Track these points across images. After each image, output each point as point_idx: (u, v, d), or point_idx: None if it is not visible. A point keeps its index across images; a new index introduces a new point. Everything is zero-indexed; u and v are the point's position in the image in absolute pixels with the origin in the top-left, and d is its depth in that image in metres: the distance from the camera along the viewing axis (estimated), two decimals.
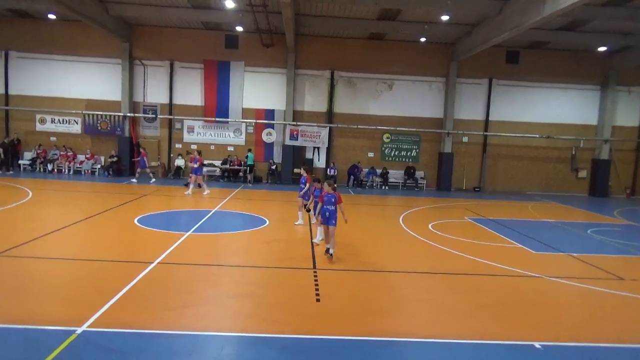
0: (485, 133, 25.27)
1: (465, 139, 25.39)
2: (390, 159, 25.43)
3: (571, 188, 25.88)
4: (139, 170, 21.56)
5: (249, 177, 23.79)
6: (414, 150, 25.50)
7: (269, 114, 24.72)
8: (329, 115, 24.80)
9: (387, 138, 25.29)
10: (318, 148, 25.08)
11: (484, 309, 7.41)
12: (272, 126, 24.87)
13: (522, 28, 16.93)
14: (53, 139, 24.42)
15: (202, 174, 19.21)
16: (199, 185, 19.05)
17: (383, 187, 24.74)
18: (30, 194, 16.63)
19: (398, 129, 24.74)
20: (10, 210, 13.64)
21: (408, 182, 24.90)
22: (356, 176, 24.63)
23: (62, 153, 23.96)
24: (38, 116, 24.25)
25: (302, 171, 13.58)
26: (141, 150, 21.58)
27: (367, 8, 19.97)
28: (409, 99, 24.95)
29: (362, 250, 11.20)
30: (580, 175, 25.90)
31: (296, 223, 13.37)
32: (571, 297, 8.38)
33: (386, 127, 24.72)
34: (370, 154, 25.34)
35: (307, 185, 12.76)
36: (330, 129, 24.75)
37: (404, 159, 25.49)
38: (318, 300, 7.44)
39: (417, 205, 19.35)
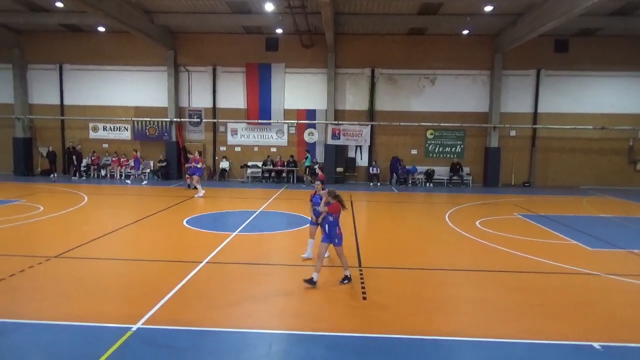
0: (534, 126, 24.33)
1: (512, 133, 24.55)
2: (434, 155, 24.96)
3: (629, 181, 24.48)
4: (192, 175, 19.76)
5: (306, 178, 23.83)
6: (458, 146, 24.92)
7: (311, 114, 24.85)
8: (371, 113, 24.64)
9: (431, 134, 24.85)
10: (360, 147, 24.97)
11: (537, 308, 7.13)
12: (313, 126, 24.98)
13: (572, 15, 16.19)
14: (105, 145, 25.53)
15: (201, 175, 19.60)
16: (195, 187, 19.23)
17: (427, 185, 24.31)
18: (86, 198, 17.45)
19: (442, 124, 24.26)
20: (68, 214, 14.36)
21: (453, 178, 24.37)
22: (398, 172, 24.17)
23: (113, 159, 25.01)
24: (91, 124, 25.41)
25: (317, 184, 9.76)
26: (189, 155, 21.86)
27: (407, 3, 19.71)
28: (452, 94, 24.39)
29: (408, 248, 11.05)
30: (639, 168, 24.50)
31: (303, 256, 9.66)
32: (633, 296, 7.93)
33: (429, 123, 24.29)
34: (414, 151, 24.98)
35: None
36: (372, 127, 24.59)
37: (448, 155, 24.95)
38: (364, 298, 7.40)
39: (464, 202, 18.89)
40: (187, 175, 19.99)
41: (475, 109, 24.41)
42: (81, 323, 6.19)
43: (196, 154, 19.38)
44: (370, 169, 24.50)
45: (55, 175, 23.98)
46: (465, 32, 22.86)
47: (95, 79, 25.14)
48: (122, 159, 24.89)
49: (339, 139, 24.48)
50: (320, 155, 24.99)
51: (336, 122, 24.35)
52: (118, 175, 24.76)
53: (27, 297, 7.20)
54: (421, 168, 24.66)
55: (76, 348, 5.59)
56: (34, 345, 5.68)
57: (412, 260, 9.90)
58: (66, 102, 25.33)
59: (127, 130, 25.35)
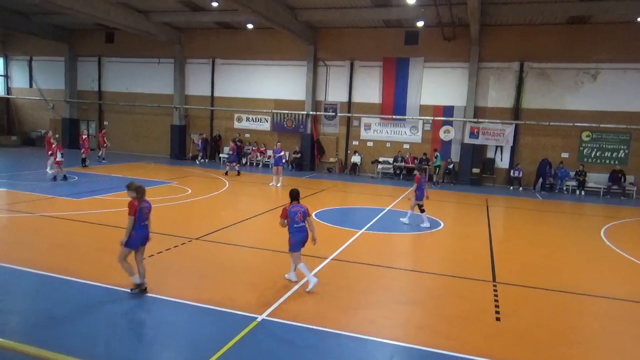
0: None
1: None
2: (590, 160, 22.03)
3: None
4: (228, 164, 22.03)
5: (434, 177, 22.95)
6: (622, 151, 21.65)
7: (448, 110, 23.64)
8: (516, 111, 22.61)
9: (587, 136, 21.96)
10: (501, 147, 23.09)
11: None
12: (450, 123, 23.75)
13: None
14: (247, 135, 27.32)
15: (235, 160, 21.98)
16: (230, 172, 21.41)
17: (578, 193, 21.56)
18: (227, 184, 18.78)
19: (602, 125, 21.27)
20: (210, 198, 15.57)
21: (613, 188, 21.24)
22: (546, 175, 21.76)
23: (254, 148, 26.66)
24: (236, 115, 27.39)
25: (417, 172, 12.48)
26: (231, 143, 22.96)
27: None
28: (618, 91, 21.19)
29: (551, 265, 9.80)
30: None
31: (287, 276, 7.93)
32: None
33: (586, 123, 21.48)
34: (565, 154, 22.31)
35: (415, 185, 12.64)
36: (517, 126, 22.55)
37: (607, 161, 21.83)
38: (498, 319, 6.66)
39: (626, 216, 16.35)
40: (230, 163, 21.90)
41: None
42: (213, 307, 6.49)
43: (231, 143, 22.20)
44: (512, 171, 22.53)
45: (202, 160, 26.30)
46: None
47: (241, 72, 26.97)
48: (261, 148, 26.41)
49: (477, 137, 22.92)
50: (455, 155, 23.70)
51: (475, 120, 22.82)
52: (256, 163, 26.35)
53: (169, 275, 7.84)
54: (572, 173, 21.94)
55: (206, 331, 5.86)
56: (170, 324, 6.10)
57: (555, 280, 8.72)
58: (216, 93, 27.64)
59: (266, 121, 26.80)
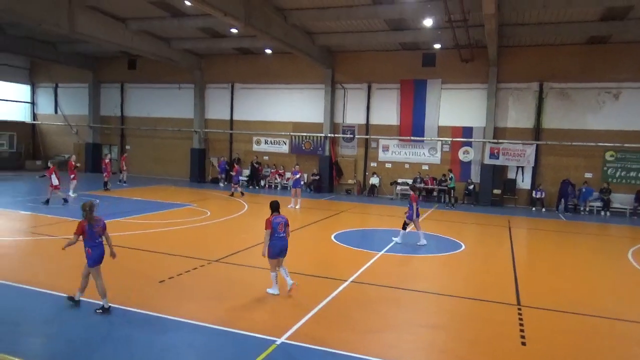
0: None
1: None
2: (614, 180, 21.51)
3: None
4: (233, 185, 22.47)
5: (450, 199, 22.52)
6: None
7: (467, 131, 23.50)
8: (537, 131, 22.34)
9: (611, 156, 21.50)
10: (522, 167, 22.76)
11: None
12: (469, 144, 23.57)
13: None
14: (266, 157, 27.52)
15: (239, 182, 22.78)
16: (237, 192, 21.87)
17: (603, 214, 21.02)
18: (246, 206, 18.86)
19: (626, 145, 20.83)
20: (229, 221, 15.62)
21: (639, 209, 20.66)
22: (568, 196, 21.31)
23: (272, 171, 26.80)
24: (255, 138, 27.67)
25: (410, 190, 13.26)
26: (235, 165, 23.59)
27: (587, 10, 17.43)
28: None
29: (578, 289, 9.50)
30: None
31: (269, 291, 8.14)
32: None
33: (609, 143, 21.06)
34: (588, 174, 21.84)
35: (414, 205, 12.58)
36: (538, 147, 22.24)
37: (633, 181, 21.30)
38: (524, 343, 6.45)
39: None
40: (234, 184, 22.30)
41: None
42: (232, 329, 6.43)
43: (235, 164, 22.89)
44: (534, 192, 22.13)
45: (224, 182, 26.59)
46: None
47: (260, 96, 27.35)
48: (280, 171, 26.54)
49: (498, 158, 22.65)
50: (475, 175, 23.42)
51: (495, 141, 22.61)
52: (274, 185, 26.44)
53: (189, 296, 7.82)
54: (595, 194, 21.43)
55: (226, 354, 5.80)
56: (189, 346, 6.05)
57: (582, 303, 8.43)
58: (235, 117, 28.02)
59: (285, 144, 26.99)
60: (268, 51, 25.54)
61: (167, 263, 9.77)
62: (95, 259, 6.84)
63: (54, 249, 10.61)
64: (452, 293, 8.69)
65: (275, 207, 8.10)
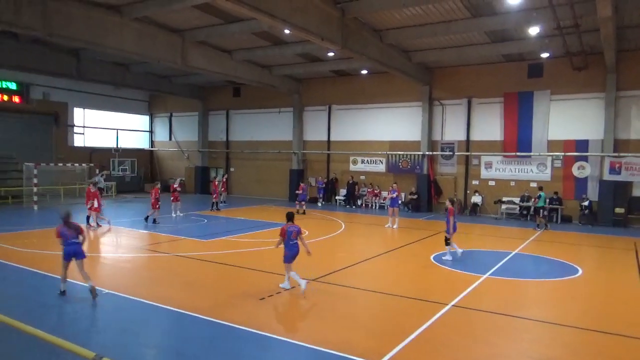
0: None
1: None
2: None
3: None
4: (297, 201, 23.14)
5: (540, 219, 20.06)
6: None
7: (581, 145, 21.50)
8: None
9: None
10: None
11: None
12: (585, 159, 21.52)
13: None
14: (362, 177, 27.52)
15: (305, 199, 23.09)
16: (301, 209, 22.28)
17: None
18: (343, 226, 18.90)
19: None
20: (326, 240, 15.72)
21: None
22: None
23: (369, 190, 26.69)
24: (351, 158, 27.85)
25: (448, 203, 13.34)
26: (301, 184, 23.83)
27: None
28: None
29: None
30: None
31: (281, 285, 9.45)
32: None
33: None
34: None
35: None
36: None
37: None
38: None
39: None
40: (299, 202, 22.82)
41: None
42: (330, 350, 6.36)
43: (301, 184, 23.28)
44: None
45: (323, 202, 27.03)
46: None
47: (356, 116, 27.58)
48: (375, 190, 26.35)
49: (620, 173, 20.38)
50: (593, 193, 21.24)
51: (616, 154, 20.40)
52: (372, 205, 26.26)
53: (286, 315, 7.94)
54: None
55: None
56: None
57: None
58: (332, 138, 28.50)
59: (381, 163, 26.80)
60: (364, 72, 25.74)
61: (266, 280, 10.04)
62: (67, 254, 8.38)
63: (168, 265, 11.47)
64: (568, 323, 7.84)
65: (290, 217, 9.27)
